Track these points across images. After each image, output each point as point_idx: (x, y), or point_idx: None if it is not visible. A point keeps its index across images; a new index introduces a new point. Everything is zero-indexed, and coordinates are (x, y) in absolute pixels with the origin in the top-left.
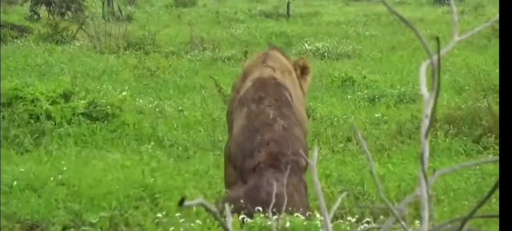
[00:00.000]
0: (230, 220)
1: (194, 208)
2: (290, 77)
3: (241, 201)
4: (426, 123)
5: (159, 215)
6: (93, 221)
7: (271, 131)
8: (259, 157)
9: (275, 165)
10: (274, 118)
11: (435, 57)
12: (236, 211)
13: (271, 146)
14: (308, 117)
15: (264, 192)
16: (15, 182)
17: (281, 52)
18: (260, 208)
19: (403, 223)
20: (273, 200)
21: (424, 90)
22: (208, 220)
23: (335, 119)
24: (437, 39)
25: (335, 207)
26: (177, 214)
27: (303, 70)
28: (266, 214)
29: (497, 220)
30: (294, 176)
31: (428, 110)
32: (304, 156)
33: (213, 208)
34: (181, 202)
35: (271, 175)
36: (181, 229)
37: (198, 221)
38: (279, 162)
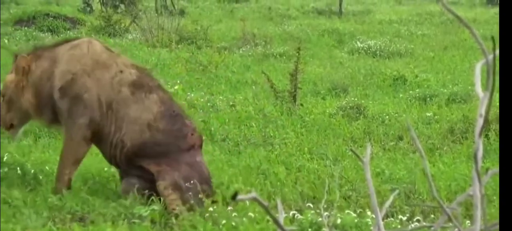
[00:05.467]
0: (282, 215)
1: (247, 203)
2: None
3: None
4: (480, 122)
5: (210, 209)
6: (144, 214)
7: (188, 116)
8: (193, 139)
9: (201, 146)
10: (178, 103)
11: (490, 57)
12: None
13: (197, 129)
14: (360, 114)
15: (205, 167)
16: None
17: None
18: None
19: (455, 221)
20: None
21: (479, 89)
22: (258, 215)
23: (387, 117)
24: (493, 39)
25: (387, 205)
26: (229, 208)
27: None
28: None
29: None
30: None
31: (482, 110)
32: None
33: (265, 203)
34: (234, 196)
35: (201, 155)
36: (233, 223)
37: (250, 214)
38: (202, 143)
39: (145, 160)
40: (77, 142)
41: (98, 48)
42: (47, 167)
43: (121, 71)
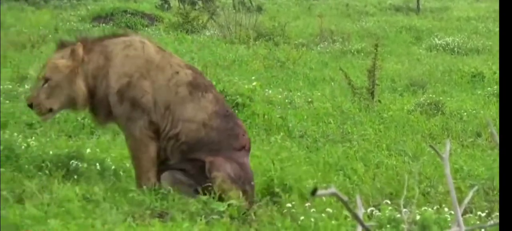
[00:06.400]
0: (361, 211)
1: (324, 199)
2: None
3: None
4: None
5: (289, 204)
6: (222, 209)
7: (237, 116)
8: (244, 140)
9: (249, 149)
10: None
11: None
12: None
13: (245, 130)
14: (438, 110)
15: (250, 170)
16: None
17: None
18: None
19: None
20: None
21: None
22: (336, 211)
23: (465, 113)
24: None
25: (466, 201)
26: (307, 204)
27: None
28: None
29: None
30: None
31: None
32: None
33: (345, 198)
34: (313, 192)
35: (248, 157)
36: (312, 219)
37: (328, 210)
38: (250, 146)
39: (199, 153)
40: (144, 143)
41: (152, 50)
42: (127, 164)
43: (177, 73)
